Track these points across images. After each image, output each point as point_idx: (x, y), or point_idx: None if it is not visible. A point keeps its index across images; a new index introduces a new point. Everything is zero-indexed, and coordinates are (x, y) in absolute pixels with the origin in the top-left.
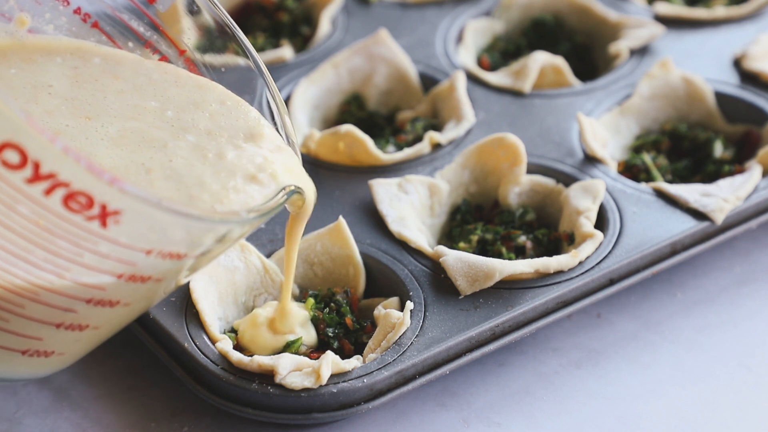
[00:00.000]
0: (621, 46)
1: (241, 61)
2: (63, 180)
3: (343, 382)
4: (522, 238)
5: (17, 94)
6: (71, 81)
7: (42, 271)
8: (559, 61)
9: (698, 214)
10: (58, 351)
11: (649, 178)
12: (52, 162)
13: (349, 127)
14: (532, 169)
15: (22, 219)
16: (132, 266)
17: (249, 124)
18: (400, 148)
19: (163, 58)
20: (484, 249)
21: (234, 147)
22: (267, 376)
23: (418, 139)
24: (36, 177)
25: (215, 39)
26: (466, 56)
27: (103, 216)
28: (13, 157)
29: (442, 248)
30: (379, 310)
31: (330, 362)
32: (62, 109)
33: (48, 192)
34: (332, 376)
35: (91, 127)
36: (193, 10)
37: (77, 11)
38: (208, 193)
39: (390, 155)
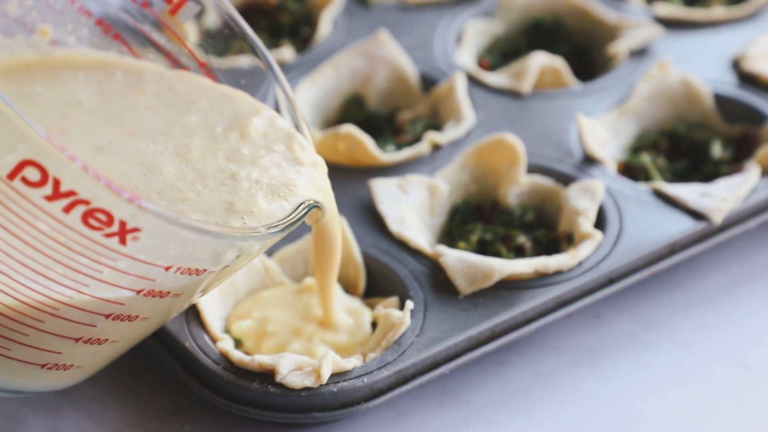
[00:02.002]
0: (620, 47)
1: (251, 62)
2: (83, 198)
3: (344, 381)
4: (521, 238)
5: (47, 111)
6: (99, 97)
7: (61, 287)
8: (559, 62)
9: (697, 215)
10: (77, 364)
11: (648, 179)
12: (72, 180)
13: (349, 128)
14: (532, 170)
15: (41, 235)
16: (151, 282)
17: (287, 137)
18: (400, 148)
19: (184, 68)
20: (483, 249)
21: (280, 165)
22: (268, 376)
23: (418, 139)
24: (56, 195)
25: (216, 41)
26: (466, 57)
27: (123, 233)
28: (33, 174)
29: (442, 248)
30: (379, 310)
31: (330, 362)
32: (100, 125)
33: (67, 209)
34: (332, 375)
35: (139, 144)
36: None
37: (99, 23)
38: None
39: (390, 156)
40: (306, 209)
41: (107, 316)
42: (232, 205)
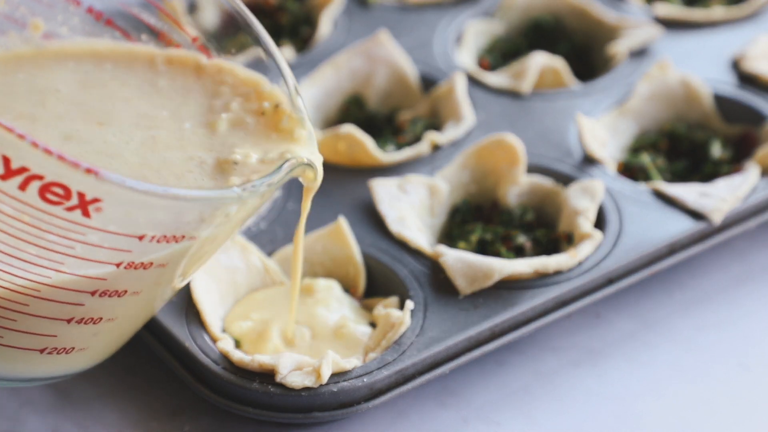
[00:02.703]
0: (620, 47)
1: (239, 57)
2: (35, 173)
3: (344, 381)
4: (521, 238)
5: (21, 98)
6: (79, 86)
7: (38, 267)
8: (559, 62)
9: (696, 215)
10: (78, 347)
11: (648, 179)
12: (21, 156)
13: (349, 128)
14: (532, 170)
15: (6, 217)
16: (128, 254)
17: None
18: (400, 148)
19: (177, 45)
20: (483, 249)
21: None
22: (268, 376)
23: (418, 139)
24: (8, 173)
25: (213, 37)
26: (466, 57)
27: (83, 205)
28: None
29: (442, 248)
30: (379, 310)
31: (330, 361)
32: (72, 113)
33: (23, 186)
34: (332, 375)
35: (108, 133)
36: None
37: (89, 11)
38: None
39: (390, 156)
40: (291, 167)
41: (92, 293)
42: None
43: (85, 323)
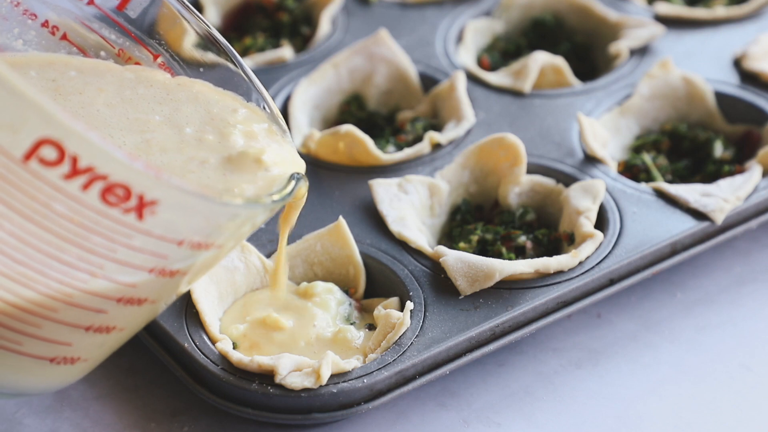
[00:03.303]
0: (621, 46)
1: (219, 60)
2: (101, 173)
3: (343, 382)
4: (522, 238)
5: None
6: (53, 94)
7: (76, 271)
8: (559, 61)
9: (698, 214)
10: (83, 357)
11: (649, 178)
12: (90, 156)
13: (349, 127)
14: (532, 169)
15: (57, 217)
16: (163, 259)
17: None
18: (400, 148)
19: (137, 63)
20: (484, 249)
21: (242, 140)
22: (267, 377)
23: (418, 139)
24: (74, 172)
25: (202, 45)
26: (466, 56)
27: (140, 207)
28: (50, 153)
29: (442, 248)
30: (379, 310)
31: (330, 362)
32: None
33: (86, 187)
34: (332, 376)
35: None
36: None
37: (45, 24)
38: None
39: (390, 155)
40: (297, 179)
41: (119, 300)
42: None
43: (99, 332)
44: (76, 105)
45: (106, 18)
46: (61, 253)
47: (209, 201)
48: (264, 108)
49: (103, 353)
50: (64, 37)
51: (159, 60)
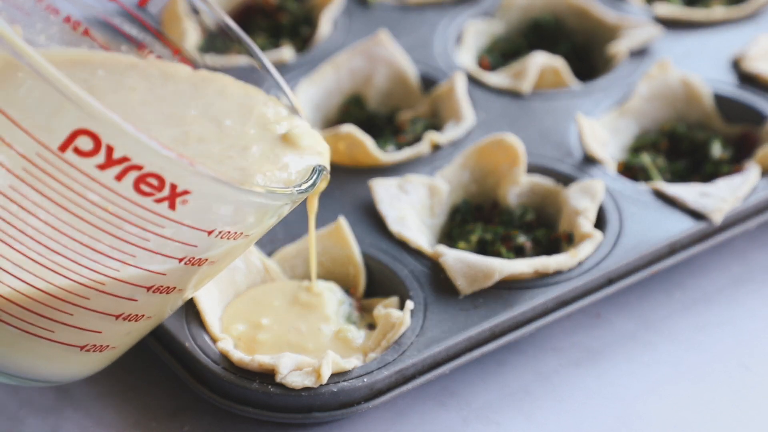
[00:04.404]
0: (620, 47)
1: (241, 59)
2: (136, 163)
3: (344, 381)
4: (521, 238)
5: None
6: (90, 92)
7: (109, 259)
8: (559, 62)
9: (697, 215)
10: (112, 344)
11: (648, 179)
12: (125, 146)
13: (349, 128)
14: (532, 170)
15: (92, 206)
16: (193, 248)
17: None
18: (400, 148)
19: (158, 58)
20: (483, 249)
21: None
22: (268, 376)
23: (418, 139)
24: (109, 162)
25: (216, 40)
26: (466, 57)
27: (173, 197)
28: (86, 143)
29: (442, 248)
30: (379, 310)
31: (330, 362)
32: None
33: (120, 176)
34: (332, 375)
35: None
36: (195, 11)
37: (67, 20)
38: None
39: (390, 156)
40: (320, 171)
41: (148, 289)
42: (244, 169)
43: (129, 320)
44: (112, 104)
45: (127, 13)
46: (94, 242)
47: (239, 191)
48: (284, 99)
49: (130, 341)
50: (85, 32)
51: (179, 55)
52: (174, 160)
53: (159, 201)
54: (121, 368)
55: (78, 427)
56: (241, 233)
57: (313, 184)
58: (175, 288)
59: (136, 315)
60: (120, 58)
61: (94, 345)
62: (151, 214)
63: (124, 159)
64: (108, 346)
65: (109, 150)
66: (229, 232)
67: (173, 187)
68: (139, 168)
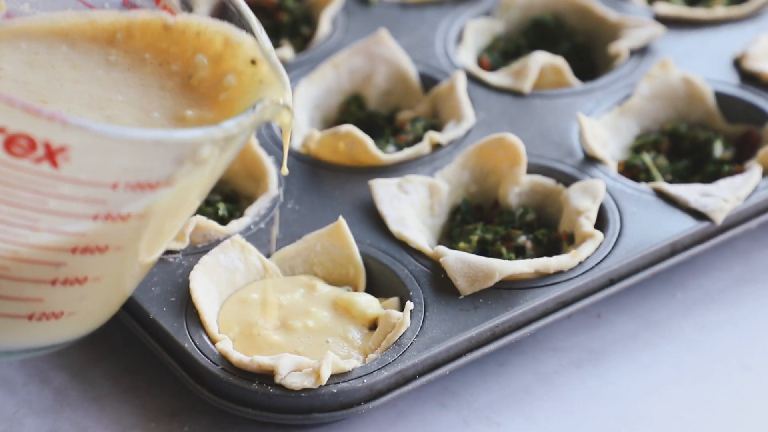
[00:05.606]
0: (621, 46)
1: None
2: None
3: (343, 382)
4: (522, 238)
5: None
6: (26, 65)
7: (14, 228)
8: (559, 61)
9: (698, 214)
10: (67, 310)
11: (649, 178)
12: None
13: (349, 128)
14: (532, 169)
15: None
16: (103, 204)
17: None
18: (400, 148)
19: (134, 6)
20: (484, 249)
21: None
22: (267, 376)
23: (418, 139)
24: None
25: None
26: (466, 56)
27: (51, 155)
28: None
29: (442, 248)
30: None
31: (330, 362)
32: (14, 92)
33: None
34: (332, 376)
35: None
36: None
37: None
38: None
39: (390, 155)
40: (264, 109)
41: (73, 251)
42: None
43: (70, 284)
44: (41, 78)
45: None
46: None
47: (119, 138)
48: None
49: (93, 304)
50: None
51: (161, 3)
52: (35, 118)
53: (38, 161)
54: (120, 369)
55: (77, 427)
56: (158, 182)
57: (246, 122)
58: (107, 247)
59: (77, 278)
60: (93, 44)
61: (44, 313)
62: (36, 177)
63: None
64: (62, 312)
65: None
66: (139, 184)
67: (47, 145)
68: (2, 131)
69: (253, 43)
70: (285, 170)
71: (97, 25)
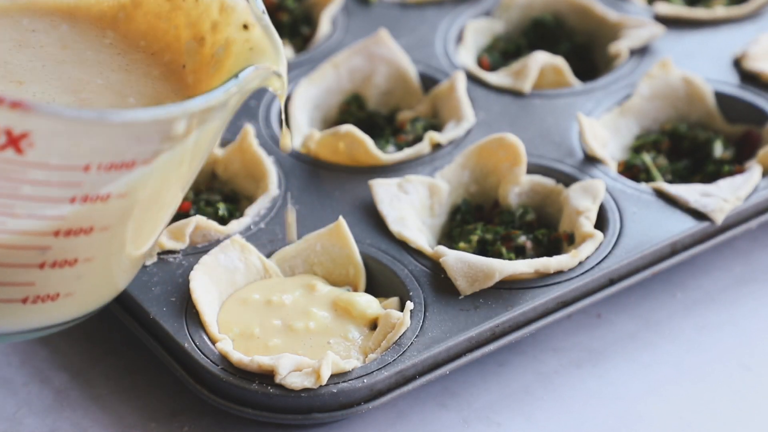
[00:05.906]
0: (621, 46)
1: None
2: None
3: (343, 382)
4: (522, 239)
5: None
6: (15, 44)
7: None
8: (559, 61)
9: (698, 214)
10: (63, 292)
11: (649, 178)
12: None
13: (349, 128)
14: (532, 169)
15: None
16: (78, 187)
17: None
18: (400, 148)
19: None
20: (484, 249)
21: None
22: (267, 377)
23: (418, 139)
24: None
25: None
26: (466, 56)
27: (13, 142)
28: None
29: (442, 248)
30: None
31: (330, 362)
32: None
33: None
34: (332, 376)
35: (26, 92)
36: None
37: None
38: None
39: (390, 155)
40: (253, 75)
41: (55, 234)
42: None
43: (59, 267)
44: (24, 58)
45: None
46: None
47: (78, 120)
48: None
49: (91, 284)
50: None
51: None
52: None
53: (2, 148)
54: (120, 369)
55: (76, 427)
56: (134, 161)
57: (232, 90)
58: (92, 228)
59: (66, 260)
60: (103, 15)
61: (38, 296)
62: (4, 164)
63: None
64: (58, 294)
65: None
66: (113, 164)
67: (8, 132)
68: None
69: (245, 6)
70: (287, 143)
71: (103, 3)
